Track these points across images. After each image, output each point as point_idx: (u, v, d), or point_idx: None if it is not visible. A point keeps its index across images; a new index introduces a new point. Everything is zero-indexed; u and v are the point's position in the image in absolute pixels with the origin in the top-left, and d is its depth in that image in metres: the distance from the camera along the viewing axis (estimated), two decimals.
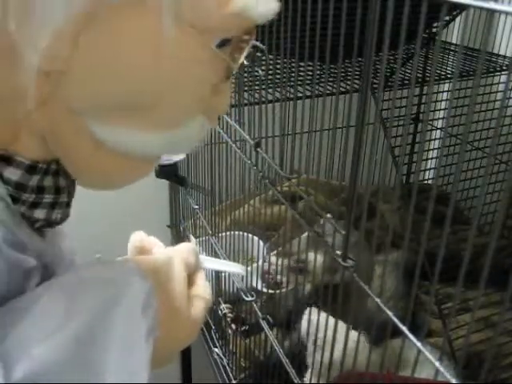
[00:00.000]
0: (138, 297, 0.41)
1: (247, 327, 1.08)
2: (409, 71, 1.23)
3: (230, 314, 1.09)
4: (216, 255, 1.09)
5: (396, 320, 0.49)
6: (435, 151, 1.45)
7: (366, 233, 0.59)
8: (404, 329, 0.48)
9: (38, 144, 0.38)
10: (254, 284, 1.04)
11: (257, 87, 0.81)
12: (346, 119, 0.53)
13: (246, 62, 0.42)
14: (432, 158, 1.47)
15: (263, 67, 0.79)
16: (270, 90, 0.85)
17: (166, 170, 1.26)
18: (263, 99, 0.78)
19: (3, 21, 0.31)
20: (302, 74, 0.90)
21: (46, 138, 0.38)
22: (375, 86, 0.89)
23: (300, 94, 0.65)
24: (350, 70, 1.05)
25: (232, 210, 1.24)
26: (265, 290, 1.04)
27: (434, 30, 1.21)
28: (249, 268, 0.97)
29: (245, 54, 0.40)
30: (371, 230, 0.53)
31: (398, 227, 1.12)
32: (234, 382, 1.07)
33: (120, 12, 0.32)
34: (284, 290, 0.97)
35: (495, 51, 1.38)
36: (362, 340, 0.57)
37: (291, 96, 0.79)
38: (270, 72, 0.93)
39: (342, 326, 0.60)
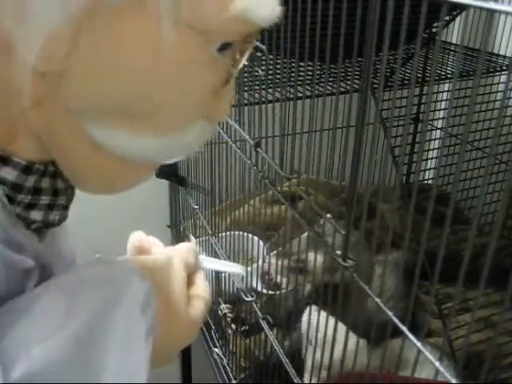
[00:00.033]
0: (137, 297, 0.41)
1: (247, 327, 1.08)
2: (409, 71, 1.23)
3: (230, 314, 1.09)
4: (216, 255, 1.09)
5: (396, 320, 0.49)
6: (435, 151, 1.45)
7: (366, 233, 0.59)
8: (404, 329, 0.48)
9: (35, 144, 0.38)
10: (254, 285, 1.04)
11: (257, 87, 0.81)
12: (346, 119, 0.53)
13: (245, 62, 0.41)
14: (432, 158, 1.47)
15: (263, 67, 0.79)
16: (270, 90, 0.85)
17: (165, 170, 1.26)
18: (263, 99, 0.78)
19: (0, 16, 0.31)
20: (302, 74, 0.90)
21: (42, 138, 0.38)
22: (375, 86, 0.89)
23: (300, 94, 0.65)
24: (350, 69, 1.05)
25: (232, 210, 1.24)
26: (264, 291, 1.04)
27: (434, 30, 1.21)
28: (249, 268, 0.97)
29: (246, 57, 0.40)
30: (371, 230, 0.53)
31: (398, 227, 1.12)
32: (233, 382, 1.07)
33: (120, 15, 0.32)
34: (284, 291, 0.97)
35: (495, 51, 1.38)
36: (361, 340, 0.57)
37: (291, 96, 0.79)
38: (270, 72, 0.93)
39: (341, 325, 0.60)
